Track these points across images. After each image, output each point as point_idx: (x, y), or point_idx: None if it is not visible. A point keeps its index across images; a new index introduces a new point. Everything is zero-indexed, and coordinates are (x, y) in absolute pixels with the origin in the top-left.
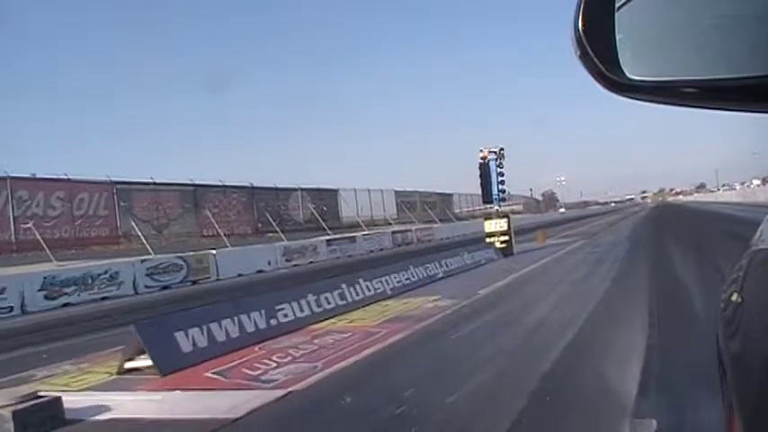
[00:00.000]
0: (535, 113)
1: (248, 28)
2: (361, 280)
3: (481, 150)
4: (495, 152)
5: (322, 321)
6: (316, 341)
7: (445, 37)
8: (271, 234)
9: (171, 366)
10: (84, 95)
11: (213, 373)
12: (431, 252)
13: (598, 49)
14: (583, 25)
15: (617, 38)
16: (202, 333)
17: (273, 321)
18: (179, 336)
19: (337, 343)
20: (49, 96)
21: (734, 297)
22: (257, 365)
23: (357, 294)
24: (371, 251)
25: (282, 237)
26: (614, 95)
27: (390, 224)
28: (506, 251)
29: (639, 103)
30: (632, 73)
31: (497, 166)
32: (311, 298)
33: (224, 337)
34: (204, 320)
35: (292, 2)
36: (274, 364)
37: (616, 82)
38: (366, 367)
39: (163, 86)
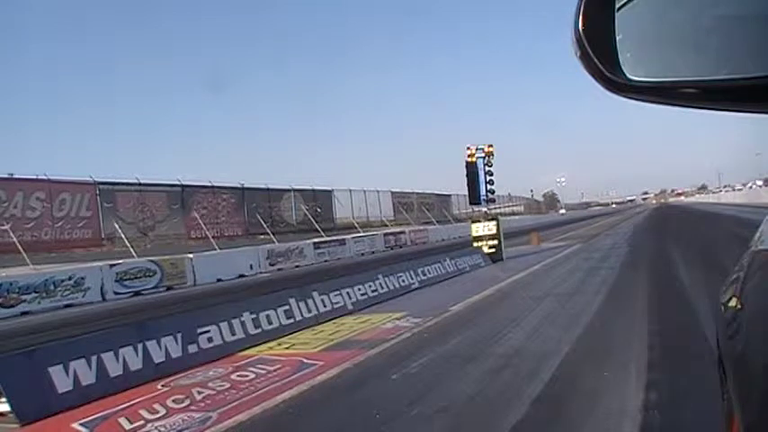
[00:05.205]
0: (536, 114)
1: (242, 27)
2: (315, 293)
3: (468, 148)
4: (483, 150)
5: (258, 345)
6: (234, 375)
7: (445, 36)
8: (262, 236)
9: (36, 413)
10: (68, 93)
11: (81, 424)
12: (418, 256)
13: (598, 49)
14: (583, 25)
15: (617, 38)
16: (90, 367)
17: (193, 348)
18: (55, 371)
19: (256, 380)
20: (29, 94)
21: (734, 298)
22: (140, 414)
23: (309, 311)
24: (362, 254)
25: (273, 239)
26: (614, 96)
27: (387, 225)
28: (495, 256)
29: (640, 103)
30: (632, 73)
31: (485, 164)
32: (247, 317)
33: (120, 370)
34: (95, 350)
35: (289, 1)
36: (161, 413)
37: (616, 82)
38: (262, 424)
39: (151, 84)
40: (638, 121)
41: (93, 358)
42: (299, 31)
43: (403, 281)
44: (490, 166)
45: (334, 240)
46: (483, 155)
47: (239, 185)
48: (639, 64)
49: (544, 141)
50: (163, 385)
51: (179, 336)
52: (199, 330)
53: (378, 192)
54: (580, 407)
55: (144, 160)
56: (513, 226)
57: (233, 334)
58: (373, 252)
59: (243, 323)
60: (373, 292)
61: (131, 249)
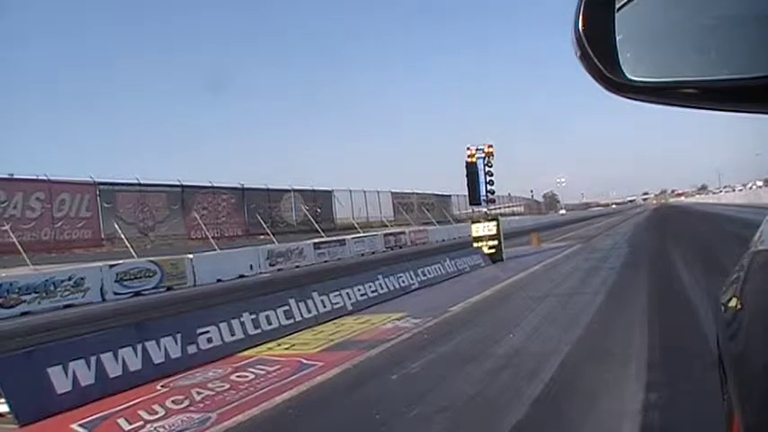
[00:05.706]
0: (537, 114)
1: (243, 25)
2: (315, 294)
3: (468, 149)
4: (483, 150)
5: (258, 346)
6: (234, 376)
7: (445, 35)
8: (262, 236)
9: (35, 413)
10: (67, 92)
11: (80, 425)
12: (418, 256)
13: (598, 49)
14: (583, 25)
15: (617, 38)
16: (89, 367)
17: (192, 348)
18: (54, 372)
19: (256, 380)
20: (29, 93)
21: (734, 298)
22: (139, 414)
23: (308, 311)
24: (362, 254)
25: (273, 239)
26: (614, 96)
27: (386, 226)
28: (495, 257)
29: (640, 103)
30: (632, 74)
31: (486, 165)
32: (247, 317)
33: (120, 371)
34: (94, 350)
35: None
36: (160, 414)
37: (616, 83)
38: (262, 425)
39: (150, 83)
40: (639, 121)
41: (93, 359)
42: (298, 30)
43: (403, 281)
44: (490, 167)
45: (334, 241)
46: (483, 155)
47: (239, 186)
48: (639, 64)
49: (544, 141)
50: (162, 386)
51: (178, 336)
52: (198, 331)
53: (378, 192)
54: (580, 407)
55: (144, 160)
56: (514, 226)
57: (232, 334)
58: (373, 252)
59: (242, 324)
60: (373, 292)
61: (131, 249)
